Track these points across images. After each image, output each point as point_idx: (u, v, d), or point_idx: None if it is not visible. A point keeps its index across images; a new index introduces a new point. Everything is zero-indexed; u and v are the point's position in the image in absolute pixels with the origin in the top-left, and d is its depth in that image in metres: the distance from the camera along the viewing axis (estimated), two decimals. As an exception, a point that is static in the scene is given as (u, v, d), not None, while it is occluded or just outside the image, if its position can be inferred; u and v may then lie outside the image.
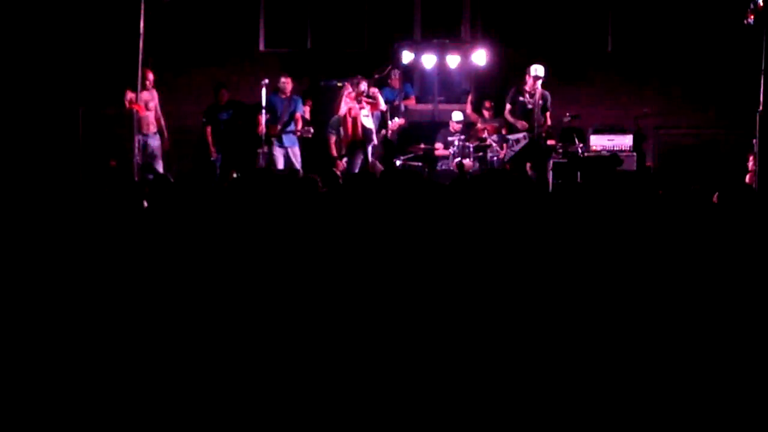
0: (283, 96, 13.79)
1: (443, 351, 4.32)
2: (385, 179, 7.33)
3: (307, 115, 14.39)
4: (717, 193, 6.61)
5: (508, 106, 13.62)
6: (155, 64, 13.54)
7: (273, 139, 13.68)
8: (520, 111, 13.42)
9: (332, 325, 4.49)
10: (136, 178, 11.62)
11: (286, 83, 13.79)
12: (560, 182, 13.55)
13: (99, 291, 4.73)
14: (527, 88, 13.38)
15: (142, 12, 11.78)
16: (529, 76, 13.36)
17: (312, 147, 14.64)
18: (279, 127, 13.64)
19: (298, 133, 13.78)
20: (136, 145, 12.29)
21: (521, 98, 13.41)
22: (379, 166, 13.63)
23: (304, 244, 5.23)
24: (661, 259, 5.09)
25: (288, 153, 13.74)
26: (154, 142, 13.06)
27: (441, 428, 3.95)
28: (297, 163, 13.72)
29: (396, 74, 15.27)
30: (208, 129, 14.20)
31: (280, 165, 13.52)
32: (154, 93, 13.24)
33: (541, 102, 13.31)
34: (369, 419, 3.98)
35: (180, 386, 4.11)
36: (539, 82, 13.32)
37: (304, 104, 14.27)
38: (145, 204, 6.67)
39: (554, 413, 3.97)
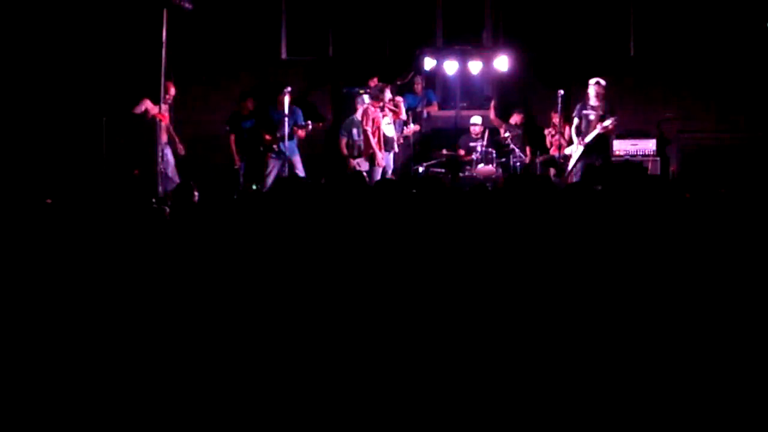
0: (280, 108, 13.66)
1: (466, 352, 4.31)
2: (407, 186, 7.32)
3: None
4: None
5: (575, 121, 13.71)
6: (177, 73, 13.58)
7: (269, 151, 13.64)
8: (586, 124, 13.55)
9: (354, 328, 4.49)
10: (160, 187, 11.64)
11: (281, 97, 13.62)
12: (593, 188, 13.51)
13: (121, 298, 4.75)
14: (589, 101, 13.51)
15: (165, 21, 11.82)
16: (591, 87, 13.50)
17: (324, 149, 14.70)
18: (278, 136, 13.57)
19: (302, 135, 13.78)
20: (159, 154, 12.33)
21: (585, 111, 13.55)
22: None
23: (323, 250, 5.23)
24: (688, 261, 5.07)
25: (287, 164, 13.67)
26: (169, 152, 13.07)
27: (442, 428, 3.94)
28: (300, 170, 13.69)
29: (418, 80, 15.29)
30: (232, 137, 14.23)
31: (272, 177, 13.43)
32: (169, 104, 13.18)
33: (601, 112, 13.42)
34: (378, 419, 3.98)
35: (195, 386, 4.12)
36: (600, 92, 13.45)
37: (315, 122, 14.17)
38: (167, 212, 6.69)
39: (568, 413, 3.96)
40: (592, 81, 13.62)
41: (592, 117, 13.52)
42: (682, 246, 5.35)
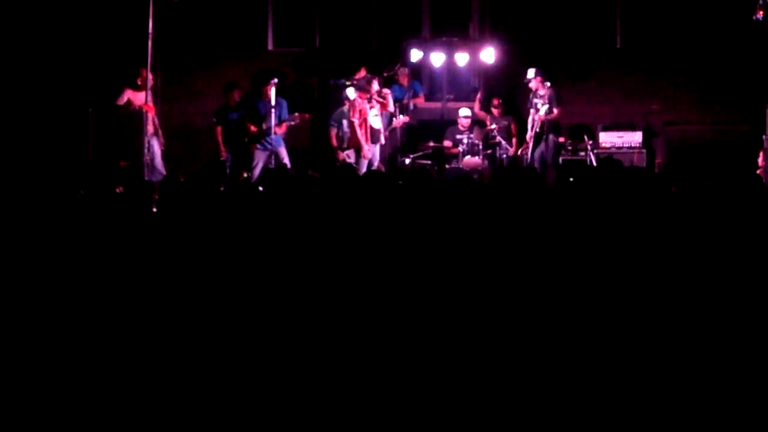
0: (266, 99, 13.59)
1: (452, 350, 4.32)
2: (394, 178, 7.32)
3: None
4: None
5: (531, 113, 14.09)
6: (163, 64, 13.55)
7: (255, 143, 13.59)
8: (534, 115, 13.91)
9: (340, 325, 4.49)
10: (146, 178, 11.62)
11: (268, 89, 13.57)
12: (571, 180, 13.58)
13: (108, 291, 4.74)
14: (537, 92, 13.83)
15: (151, 12, 11.81)
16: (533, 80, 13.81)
17: (313, 140, 14.71)
18: (264, 128, 13.50)
19: (284, 129, 13.69)
20: (145, 145, 12.32)
21: (535, 100, 13.82)
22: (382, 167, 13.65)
23: (312, 243, 5.23)
24: (674, 255, 5.08)
25: (273, 155, 13.60)
26: (155, 143, 13.06)
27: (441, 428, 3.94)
28: (286, 161, 13.61)
29: (404, 72, 15.27)
30: (219, 129, 14.17)
31: (258, 169, 13.36)
32: (150, 94, 13.11)
33: (542, 100, 13.73)
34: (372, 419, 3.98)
35: (186, 385, 4.11)
36: (538, 82, 13.76)
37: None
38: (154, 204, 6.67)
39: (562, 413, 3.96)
40: (531, 74, 13.87)
41: (539, 107, 13.82)
42: (666, 238, 5.36)
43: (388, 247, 5.23)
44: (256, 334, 4.43)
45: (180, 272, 4.95)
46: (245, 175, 13.37)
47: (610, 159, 12.40)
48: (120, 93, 12.84)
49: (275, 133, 13.48)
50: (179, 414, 4.03)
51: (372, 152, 13.40)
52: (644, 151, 14.63)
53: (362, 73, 14.24)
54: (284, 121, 13.63)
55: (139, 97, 12.69)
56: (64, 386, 4.13)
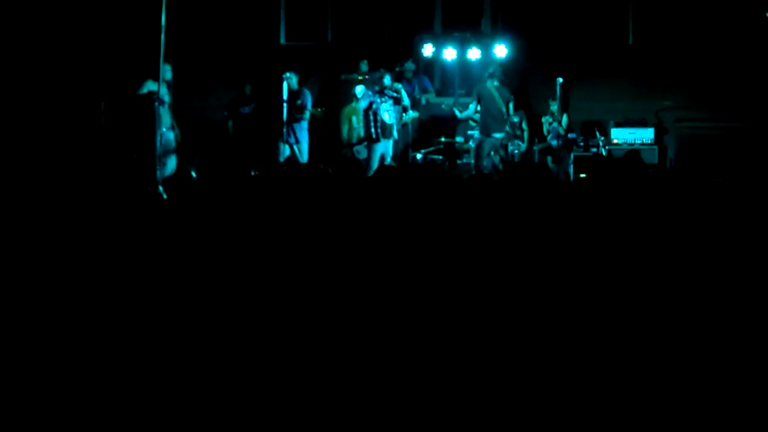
0: (281, 93, 13.62)
1: (458, 349, 4.32)
2: (405, 173, 7.32)
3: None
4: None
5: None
6: (176, 58, 13.56)
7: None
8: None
9: (348, 323, 4.49)
10: (158, 172, 11.64)
11: (290, 79, 13.64)
12: (583, 177, 13.63)
13: (117, 285, 4.75)
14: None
15: (164, 5, 11.81)
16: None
17: (324, 135, 14.70)
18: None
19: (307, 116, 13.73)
20: (158, 137, 12.32)
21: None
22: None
23: (321, 239, 5.23)
24: (683, 252, 5.08)
25: (293, 148, 13.62)
26: (170, 136, 13.05)
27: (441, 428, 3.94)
28: (301, 157, 13.62)
29: (410, 68, 15.19)
30: (230, 123, 14.21)
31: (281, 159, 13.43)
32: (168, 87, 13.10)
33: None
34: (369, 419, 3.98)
35: (191, 383, 4.12)
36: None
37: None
38: (165, 197, 6.69)
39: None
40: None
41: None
42: (677, 235, 5.36)
43: (397, 243, 5.23)
44: (260, 329, 4.44)
45: (190, 266, 4.96)
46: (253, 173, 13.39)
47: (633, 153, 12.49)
48: (141, 84, 12.81)
49: (297, 125, 13.53)
50: (180, 411, 4.03)
51: (385, 147, 13.37)
52: (656, 147, 14.63)
53: (365, 66, 14.24)
54: (308, 109, 13.67)
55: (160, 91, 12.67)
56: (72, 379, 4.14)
